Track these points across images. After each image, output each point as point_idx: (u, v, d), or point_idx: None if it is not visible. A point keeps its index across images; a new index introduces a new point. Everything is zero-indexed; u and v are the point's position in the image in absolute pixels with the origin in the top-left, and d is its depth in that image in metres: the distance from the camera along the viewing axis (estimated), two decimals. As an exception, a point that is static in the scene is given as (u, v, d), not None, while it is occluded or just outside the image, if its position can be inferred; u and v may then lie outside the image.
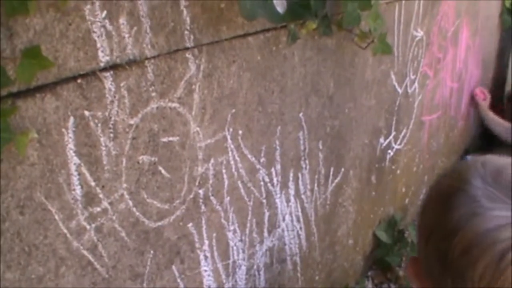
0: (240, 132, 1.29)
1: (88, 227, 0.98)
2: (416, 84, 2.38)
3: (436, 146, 2.93)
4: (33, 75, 0.82)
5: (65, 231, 0.94)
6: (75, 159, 0.93)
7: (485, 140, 3.57)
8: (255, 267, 1.49)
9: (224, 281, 1.38)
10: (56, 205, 0.91)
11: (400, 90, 2.22)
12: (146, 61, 1.02)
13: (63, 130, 0.90)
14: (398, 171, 2.42)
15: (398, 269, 2.39)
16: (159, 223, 1.13)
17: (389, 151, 2.25)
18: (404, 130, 2.37)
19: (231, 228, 1.35)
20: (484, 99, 3.45)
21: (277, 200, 1.51)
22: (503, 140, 3.37)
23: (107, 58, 0.94)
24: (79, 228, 0.96)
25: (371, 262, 2.36)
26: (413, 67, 2.30)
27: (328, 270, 1.97)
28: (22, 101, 0.83)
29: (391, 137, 2.23)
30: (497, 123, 3.43)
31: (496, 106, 3.60)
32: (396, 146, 2.32)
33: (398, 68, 2.14)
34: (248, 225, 1.41)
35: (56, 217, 0.92)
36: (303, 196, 1.63)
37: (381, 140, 2.14)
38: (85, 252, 0.99)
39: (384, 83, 2.06)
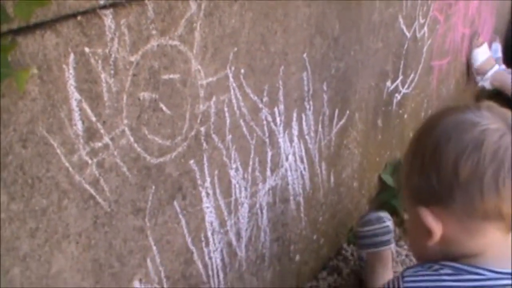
0: (242, 71, 1.30)
1: (89, 161, 1.00)
2: (425, 28, 2.36)
3: (445, 92, 2.92)
4: (31, 12, 0.82)
5: (67, 165, 0.96)
6: (76, 95, 0.94)
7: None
8: (257, 205, 1.51)
9: (226, 218, 1.41)
10: (58, 140, 0.93)
11: (408, 34, 2.20)
12: (146, -1, 1.02)
13: (64, 66, 0.91)
14: (406, 116, 2.42)
15: (403, 213, 2.41)
16: (161, 159, 1.15)
17: (396, 95, 2.25)
18: (412, 75, 2.36)
19: (233, 166, 1.37)
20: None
21: (280, 140, 1.52)
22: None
23: (107, -5, 0.95)
24: (81, 162, 0.98)
25: (377, 205, 2.37)
26: (422, 11, 2.28)
27: (332, 212, 2.00)
28: (22, 37, 0.84)
29: (398, 81, 2.22)
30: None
31: (508, 57, 3.57)
32: (404, 90, 2.32)
33: (406, 11, 2.13)
34: (251, 163, 1.43)
35: (58, 151, 0.94)
36: (306, 137, 1.65)
37: (388, 83, 2.13)
38: (87, 186, 1.01)
39: (392, 26, 2.05)
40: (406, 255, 2.20)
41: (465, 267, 1.07)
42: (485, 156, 1.00)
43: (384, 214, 2.01)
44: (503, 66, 3.47)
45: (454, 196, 1.03)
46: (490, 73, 3.32)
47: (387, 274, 1.91)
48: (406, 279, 1.11)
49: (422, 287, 1.09)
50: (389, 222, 1.99)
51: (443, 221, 1.07)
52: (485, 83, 3.35)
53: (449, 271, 1.08)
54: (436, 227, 1.07)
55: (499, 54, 3.50)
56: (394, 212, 2.34)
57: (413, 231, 1.21)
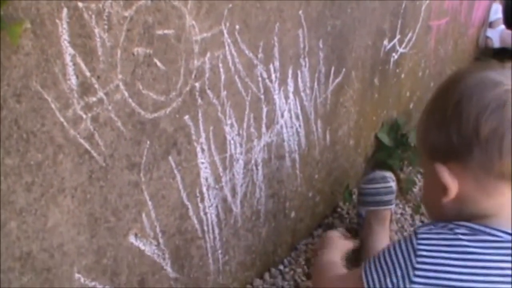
0: (237, 27, 1.29)
1: (84, 116, 1.00)
2: (423, -13, 2.35)
3: (443, 52, 2.91)
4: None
5: (62, 119, 0.96)
6: (70, 50, 0.94)
7: (497, 49, 3.55)
8: (253, 161, 1.52)
9: (221, 174, 1.42)
10: (52, 94, 0.93)
11: (406, -8, 2.19)
12: (139, -47, 1.02)
13: (57, 21, 0.90)
14: (403, 75, 2.42)
15: (399, 172, 2.42)
16: (155, 114, 1.15)
17: (394, 54, 2.25)
18: (410, 34, 2.35)
19: (228, 122, 1.37)
20: None
21: (276, 97, 1.53)
22: None
23: (99, -51, 0.94)
24: (76, 117, 0.99)
25: (372, 164, 2.39)
26: (420, -31, 2.27)
27: (328, 169, 2.01)
28: (15, -9, 0.84)
29: (395, 40, 2.21)
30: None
31: (510, 17, 3.56)
32: (401, 50, 2.31)
33: (404, -31, 2.12)
34: (246, 119, 1.43)
35: (53, 106, 0.94)
36: (302, 94, 1.65)
37: (385, 42, 2.13)
38: (82, 141, 1.01)
39: (390, -16, 2.04)
40: (401, 214, 2.22)
41: (481, 228, 1.06)
42: (506, 117, 1.00)
43: (389, 174, 2.03)
44: (503, 26, 3.47)
45: (472, 153, 1.02)
46: (499, 28, 3.38)
47: (384, 233, 1.93)
48: (420, 236, 1.09)
49: (437, 245, 1.07)
50: (393, 183, 2.01)
51: (459, 178, 1.07)
52: (495, 37, 3.40)
53: (465, 231, 1.07)
54: (452, 184, 1.07)
55: (500, 14, 3.50)
56: (390, 171, 2.35)
57: (428, 188, 1.21)
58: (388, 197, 1.98)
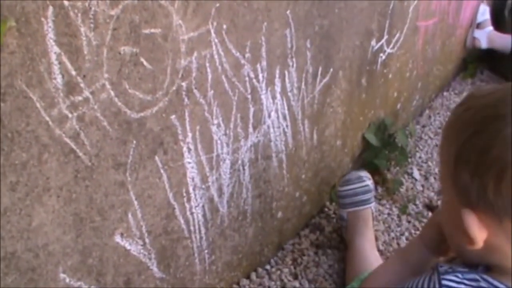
0: (225, 26, 1.29)
1: (70, 115, 0.99)
2: (411, -13, 2.36)
3: (431, 53, 2.91)
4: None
5: (47, 119, 0.96)
6: (56, 48, 0.93)
7: (485, 50, 3.56)
8: (239, 162, 1.52)
9: (208, 174, 1.41)
10: (37, 93, 0.93)
11: (394, -7, 2.19)
12: (126, -49, 1.01)
13: (43, 19, 0.90)
14: (390, 76, 2.42)
15: (386, 172, 2.43)
16: (142, 114, 1.15)
17: (381, 54, 2.25)
18: (398, 34, 2.36)
19: (215, 122, 1.37)
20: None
21: (263, 97, 1.52)
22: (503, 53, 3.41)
23: None
24: (61, 116, 0.98)
25: (360, 164, 2.39)
26: (408, -31, 2.28)
27: (315, 170, 2.01)
28: (-1, -11, 0.83)
29: (383, 40, 2.22)
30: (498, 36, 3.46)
31: (497, 19, 3.58)
32: (389, 50, 2.31)
33: (392, -31, 2.12)
34: (233, 119, 1.43)
35: (38, 105, 0.93)
36: (289, 94, 1.64)
37: (373, 43, 2.13)
38: (67, 140, 1.01)
39: (378, -16, 2.04)
40: (388, 214, 2.22)
41: None
42: None
43: (364, 173, 2.03)
44: (491, 28, 3.48)
45: (510, 213, 0.88)
46: (487, 29, 3.40)
47: (369, 232, 1.94)
48: (446, 284, 0.97)
49: None
50: (369, 181, 2.01)
51: (489, 228, 0.93)
52: (482, 38, 3.42)
53: None
54: (480, 236, 0.93)
55: (487, 16, 3.51)
56: (376, 171, 2.36)
57: (450, 222, 1.06)
58: (366, 196, 1.98)
